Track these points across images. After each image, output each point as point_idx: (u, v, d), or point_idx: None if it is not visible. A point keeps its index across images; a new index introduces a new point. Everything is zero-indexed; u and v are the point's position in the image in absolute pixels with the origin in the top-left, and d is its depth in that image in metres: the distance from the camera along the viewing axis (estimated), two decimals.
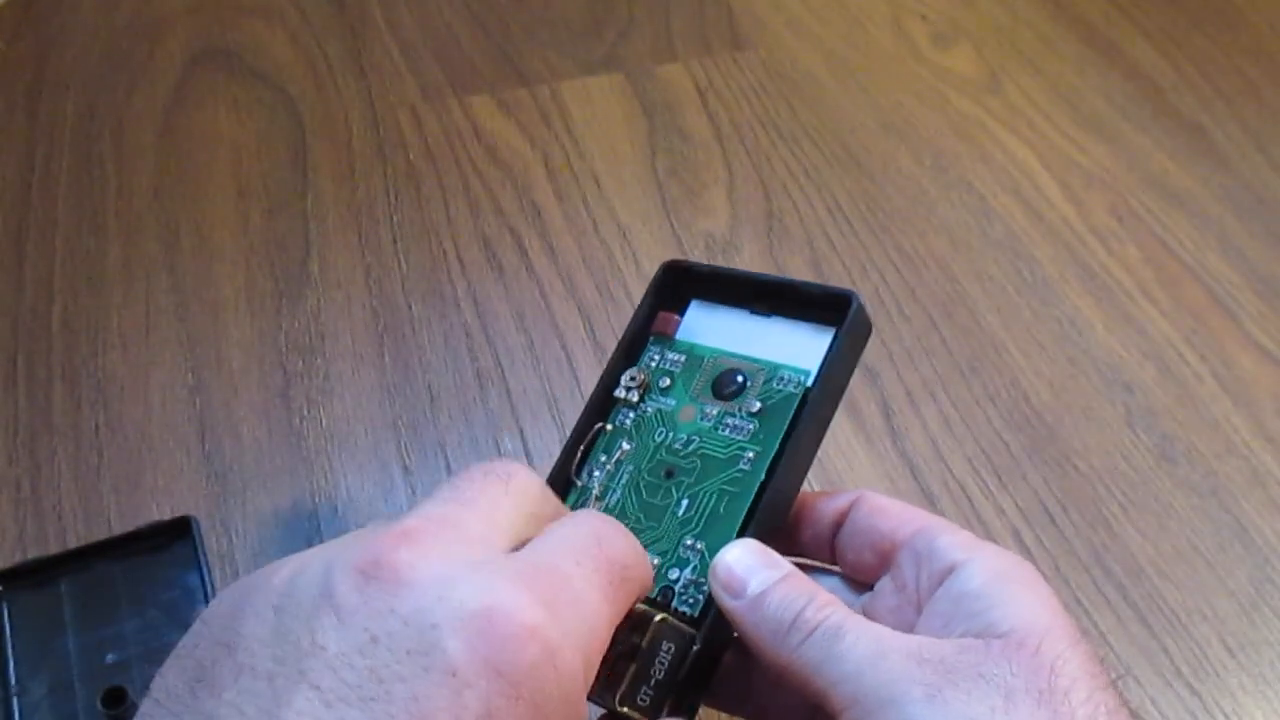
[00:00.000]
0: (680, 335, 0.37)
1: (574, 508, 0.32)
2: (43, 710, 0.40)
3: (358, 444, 0.49)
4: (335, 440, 0.49)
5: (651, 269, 0.56)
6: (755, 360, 0.35)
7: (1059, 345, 0.54)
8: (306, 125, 0.63)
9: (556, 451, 0.49)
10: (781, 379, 0.34)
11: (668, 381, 0.36)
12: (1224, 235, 0.59)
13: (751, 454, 0.33)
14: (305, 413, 0.50)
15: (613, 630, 0.26)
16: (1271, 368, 0.53)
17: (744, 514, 0.32)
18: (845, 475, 0.49)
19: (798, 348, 0.35)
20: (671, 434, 0.35)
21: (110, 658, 0.41)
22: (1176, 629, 0.44)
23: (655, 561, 0.32)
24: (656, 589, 0.32)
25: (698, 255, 0.57)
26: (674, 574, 0.32)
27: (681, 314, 0.37)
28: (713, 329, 0.36)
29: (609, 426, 0.35)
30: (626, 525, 0.30)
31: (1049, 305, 0.55)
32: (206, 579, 0.43)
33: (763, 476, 0.33)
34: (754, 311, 0.36)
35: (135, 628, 0.42)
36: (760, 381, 0.35)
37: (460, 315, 0.54)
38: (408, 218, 0.59)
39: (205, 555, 0.44)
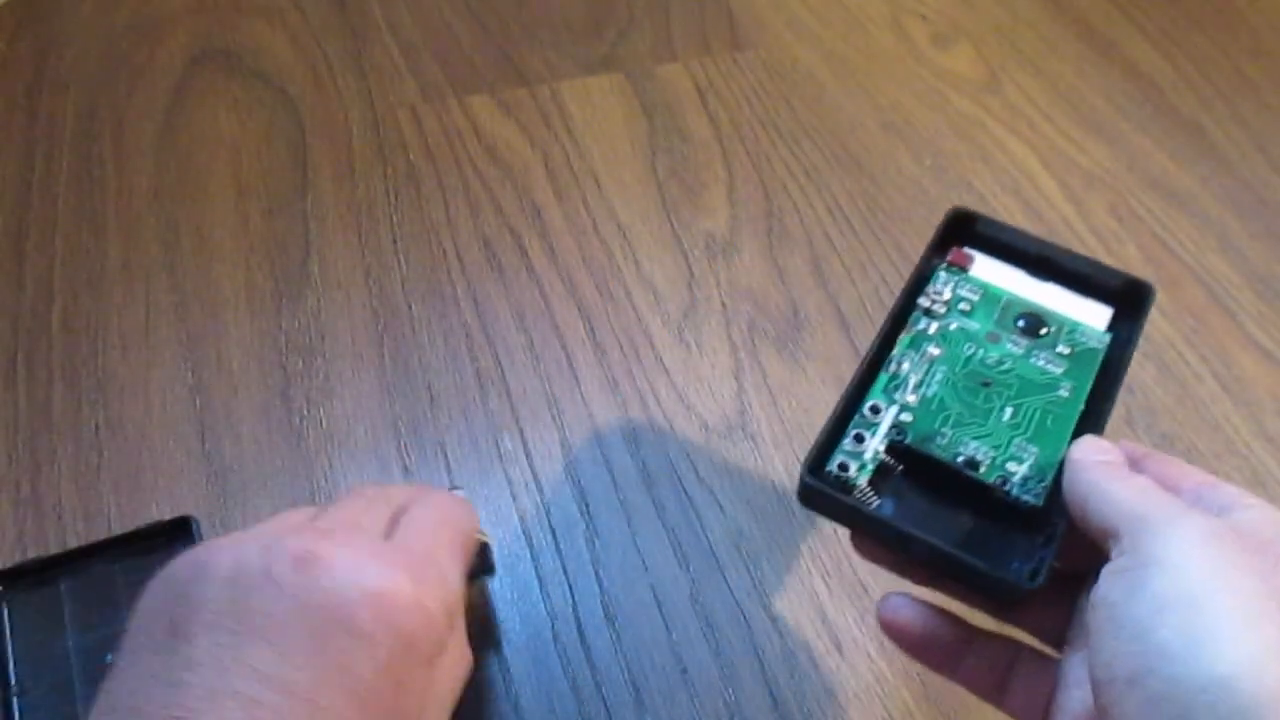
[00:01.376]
0: (974, 272, 0.41)
1: (887, 392, 0.37)
2: (43, 710, 0.40)
3: (358, 444, 0.49)
4: (335, 440, 0.49)
5: (651, 269, 0.57)
6: (1053, 312, 0.39)
7: None
8: (306, 125, 0.63)
9: (557, 451, 0.49)
10: (1084, 334, 0.39)
11: (968, 306, 0.39)
12: (1224, 235, 0.59)
13: (1067, 386, 0.37)
14: (305, 413, 0.50)
15: (463, 580, 0.34)
16: (1271, 368, 0.53)
17: (1070, 432, 0.36)
18: None
19: (1085, 313, 0.40)
20: (982, 351, 0.38)
21: (110, 658, 0.41)
22: None
23: (990, 451, 0.36)
24: (995, 474, 0.35)
25: (697, 255, 0.57)
26: (1012, 467, 0.35)
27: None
28: (998, 276, 0.41)
29: (914, 329, 0.39)
30: (948, 416, 0.37)
31: None
32: None
33: (1082, 406, 0.37)
34: (1031, 273, 0.41)
35: None
36: (1064, 331, 0.39)
37: (460, 315, 0.54)
38: (408, 218, 0.59)
39: None
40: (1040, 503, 0.35)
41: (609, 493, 0.48)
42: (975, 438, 0.36)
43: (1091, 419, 0.37)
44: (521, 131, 0.63)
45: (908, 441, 0.36)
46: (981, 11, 0.72)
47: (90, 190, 0.60)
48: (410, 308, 0.55)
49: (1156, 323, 0.55)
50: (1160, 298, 0.56)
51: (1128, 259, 0.58)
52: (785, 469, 0.49)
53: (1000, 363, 0.38)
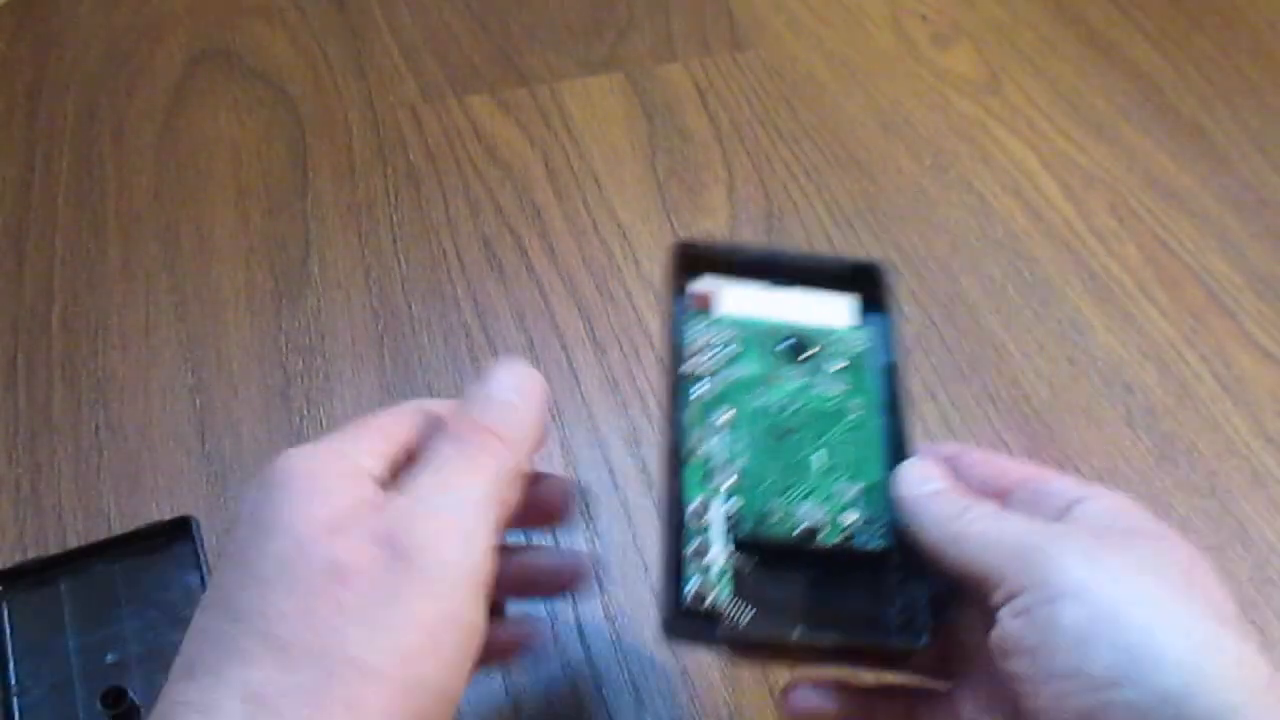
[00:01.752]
0: (719, 310, 0.38)
1: (703, 478, 0.34)
2: (43, 710, 0.40)
3: None
4: None
5: (652, 269, 0.56)
6: (809, 327, 0.38)
7: (1059, 345, 0.54)
8: (306, 125, 0.63)
9: (556, 451, 0.49)
10: (845, 341, 0.38)
11: (732, 352, 0.37)
12: (1224, 235, 0.59)
13: (857, 404, 0.36)
14: (305, 413, 0.50)
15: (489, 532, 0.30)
16: (1271, 368, 0.53)
17: (882, 451, 0.35)
18: None
19: (835, 312, 0.38)
20: (768, 396, 0.36)
21: (110, 658, 0.41)
22: None
23: (821, 509, 0.34)
24: (835, 536, 0.34)
25: None
26: (846, 517, 0.34)
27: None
28: (744, 303, 0.38)
29: (695, 401, 0.36)
30: (771, 485, 0.34)
31: (1049, 305, 0.55)
32: (206, 579, 0.43)
33: (879, 418, 0.36)
34: (775, 283, 0.39)
35: (135, 628, 0.42)
36: (828, 345, 0.37)
37: (460, 315, 0.54)
38: (408, 218, 0.59)
39: (205, 555, 0.44)
40: (889, 542, 0.34)
41: (609, 493, 0.48)
42: (804, 498, 0.34)
43: (896, 426, 0.36)
44: (521, 131, 0.63)
45: (748, 532, 0.34)
46: (981, 11, 0.72)
47: (90, 190, 0.60)
48: (410, 308, 0.55)
49: (1156, 323, 0.55)
50: (1160, 298, 0.56)
51: (1128, 259, 0.58)
52: None
53: (789, 404, 0.36)
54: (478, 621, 0.28)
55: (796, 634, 0.32)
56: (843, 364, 0.37)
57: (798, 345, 0.37)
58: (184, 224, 0.58)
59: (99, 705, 0.39)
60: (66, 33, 0.69)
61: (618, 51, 0.68)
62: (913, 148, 0.63)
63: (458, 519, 0.28)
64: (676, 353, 0.37)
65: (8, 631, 0.42)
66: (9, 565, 0.43)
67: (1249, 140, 0.64)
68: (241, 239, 0.57)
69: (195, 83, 0.66)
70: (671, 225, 0.59)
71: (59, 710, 0.40)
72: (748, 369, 0.37)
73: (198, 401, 0.51)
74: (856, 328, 0.38)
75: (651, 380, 0.52)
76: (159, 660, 0.41)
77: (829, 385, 0.37)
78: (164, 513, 0.46)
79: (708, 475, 0.34)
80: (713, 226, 0.59)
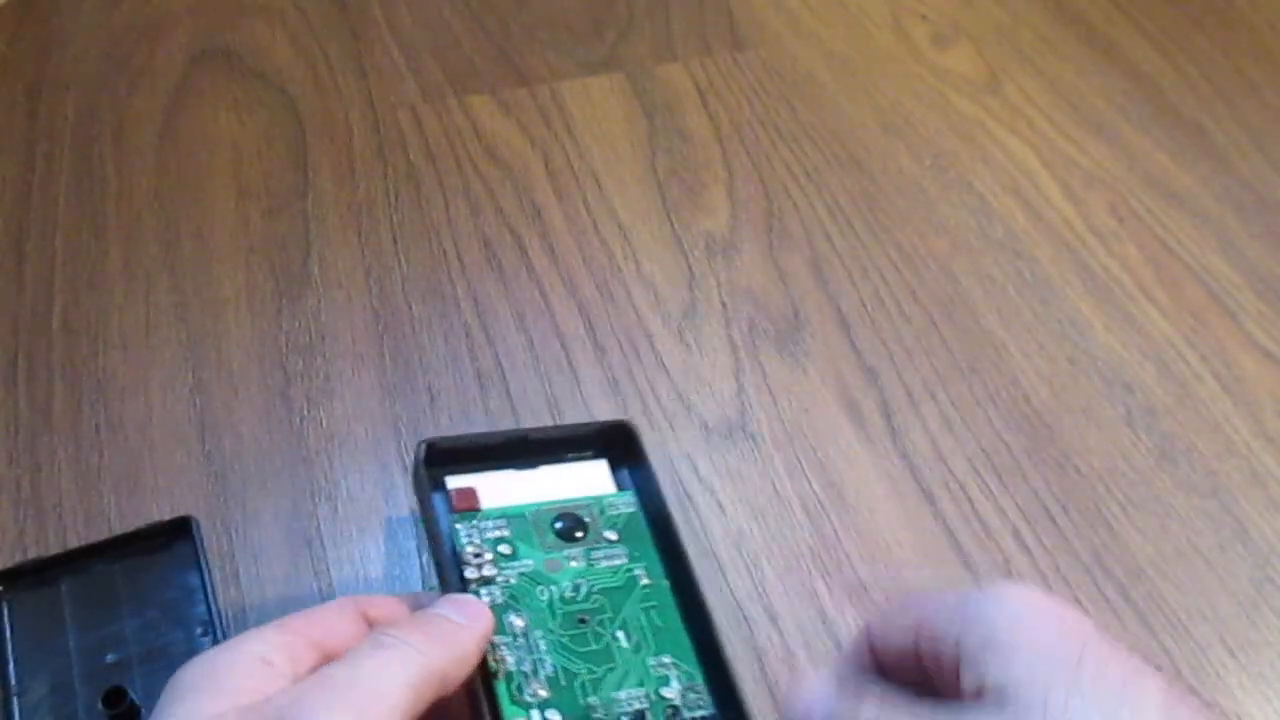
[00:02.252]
0: (482, 505, 0.36)
1: (518, 703, 0.32)
2: (43, 710, 0.40)
3: (358, 444, 0.49)
4: (335, 440, 0.49)
5: (652, 269, 0.57)
6: (575, 501, 0.37)
7: (1059, 345, 0.54)
8: (307, 125, 0.63)
9: None
10: (612, 506, 0.37)
11: (507, 547, 0.35)
12: (1224, 235, 0.59)
13: (641, 570, 0.36)
14: (305, 413, 0.50)
15: None
16: (1271, 368, 0.53)
17: (679, 615, 0.35)
18: (846, 475, 0.49)
19: (594, 479, 0.38)
20: (554, 588, 0.35)
21: (110, 658, 0.41)
22: (1176, 629, 0.44)
23: (639, 693, 0.33)
24: (661, 713, 0.32)
25: (698, 255, 0.57)
26: (667, 693, 0.33)
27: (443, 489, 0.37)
28: (503, 491, 0.37)
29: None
30: (582, 683, 0.32)
31: (1049, 305, 0.55)
32: (206, 579, 0.43)
33: (666, 580, 0.35)
34: (528, 464, 0.38)
35: (135, 628, 0.42)
36: (597, 515, 0.37)
37: (460, 315, 0.54)
38: (408, 218, 0.59)
39: (205, 555, 0.43)
40: (714, 711, 0.33)
41: None
42: (619, 686, 0.33)
43: (684, 582, 0.35)
44: (521, 131, 0.63)
45: None
46: (981, 11, 0.72)
47: (90, 190, 0.60)
48: (410, 308, 0.55)
49: (1157, 323, 0.55)
50: (1160, 298, 0.56)
51: (1128, 259, 0.58)
52: (785, 469, 0.49)
53: (577, 589, 0.35)
54: None
55: None
56: (615, 534, 0.36)
57: (569, 524, 0.36)
58: (184, 224, 0.58)
59: (99, 705, 0.39)
60: (67, 33, 0.69)
61: (618, 51, 0.68)
62: (913, 148, 0.63)
63: (357, 704, 0.26)
64: (455, 561, 0.35)
65: (8, 631, 0.42)
66: (9, 565, 0.43)
67: (1249, 140, 0.64)
68: (241, 239, 0.57)
69: (195, 83, 0.66)
70: (671, 225, 0.59)
71: (59, 710, 0.40)
72: (527, 562, 0.35)
73: (198, 401, 0.51)
74: (620, 492, 0.38)
75: (651, 381, 0.52)
76: (159, 660, 0.41)
77: (609, 557, 0.36)
78: (164, 513, 0.46)
79: (520, 689, 0.32)
80: (712, 226, 0.59)
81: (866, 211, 0.60)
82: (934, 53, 0.69)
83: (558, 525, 0.36)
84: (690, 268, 0.57)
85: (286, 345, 0.53)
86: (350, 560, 0.46)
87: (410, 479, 0.37)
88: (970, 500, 0.48)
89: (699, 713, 0.33)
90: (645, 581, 0.35)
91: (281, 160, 0.61)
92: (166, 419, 0.50)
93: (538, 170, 0.61)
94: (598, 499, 0.37)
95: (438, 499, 0.36)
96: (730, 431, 0.50)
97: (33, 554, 0.45)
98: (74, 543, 0.45)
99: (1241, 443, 0.50)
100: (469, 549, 0.35)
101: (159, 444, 0.49)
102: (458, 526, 0.36)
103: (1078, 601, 0.45)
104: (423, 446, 0.36)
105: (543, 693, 0.32)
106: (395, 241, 0.58)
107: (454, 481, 0.37)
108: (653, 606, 0.35)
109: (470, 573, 0.34)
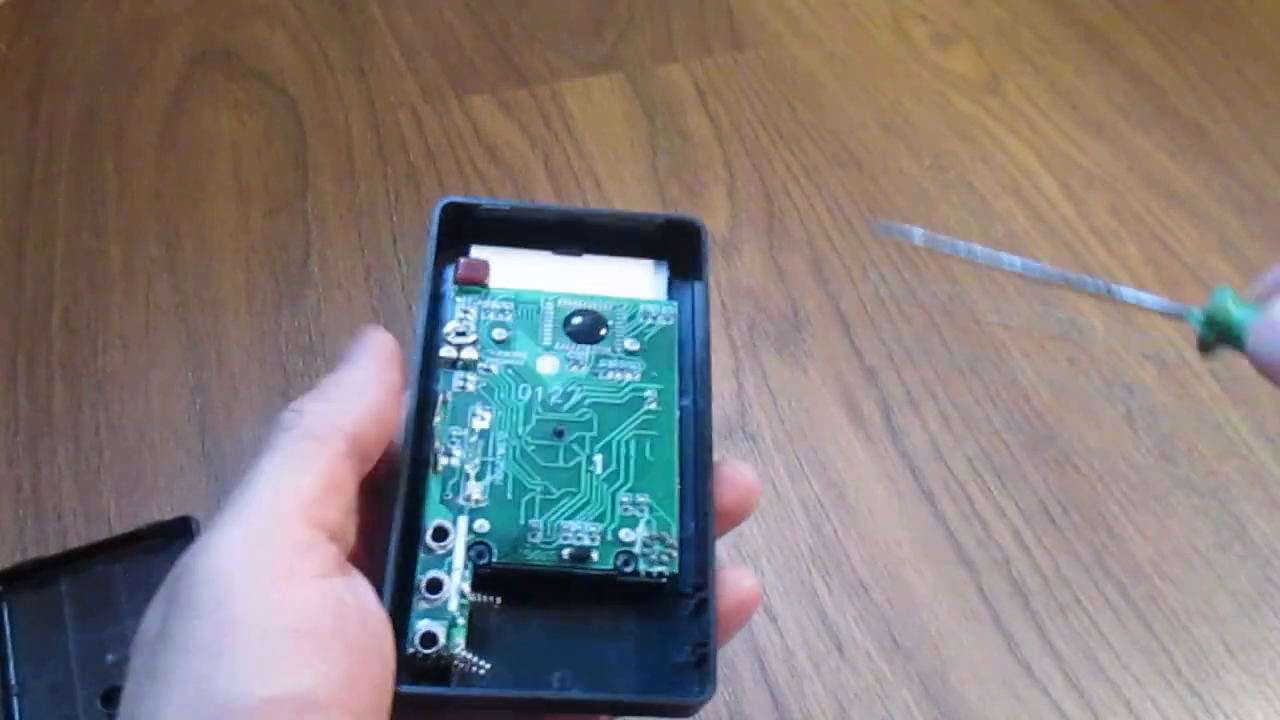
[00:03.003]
0: (493, 283, 0.32)
1: (447, 503, 0.28)
2: (43, 710, 0.40)
3: None
4: None
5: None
6: (604, 299, 0.32)
7: (1059, 345, 0.54)
8: (307, 125, 0.63)
9: None
10: (647, 314, 0.31)
11: (503, 333, 0.31)
12: (1224, 235, 0.59)
13: (652, 393, 0.30)
14: None
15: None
16: None
17: (676, 456, 0.29)
18: (845, 475, 0.49)
19: (638, 281, 0.32)
20: (540, 389, 0.30)
21: (110, 657, 0.41)
22: (1176, 629, 0.44)
23: (595, 527, 0.28)
24: (611, 557, 0.28)
25: None
26: (626, 534, 0.28)
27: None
28: (526, 274, 0.32)
29: (447, 395, 0.29)
30: (531, 502, 0.28)
31: (1049, 305, 0.55)
32: None
33: (677, 412, 0.30)
34: (564, 252, 0.32)
35: (135, 628, 0.42)
36: (625, 319, 0.31)
37: None
38: (408, 218, 0.59)
39: None
40: (674, 569, 0.28)
41: None
42: (572, 514, 0.28)
43: (696, 423, 0.30)
44: (522, 131, 0.63)
45: (494, 562, 0.27)
46: (981, 11, 0.72)
47: (91, 190, 0.60)
48: (411, 308, 0.55)
49: (1157, 323, 0.55)
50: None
51: (1128, 259, 0.58)
52: (785, 469, 0.49)
53: (566, 397, 0.30)
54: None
55: (551, 692, 0.27)
56: (637, 344, 0.31)
57: (587, 322, 0.31)
58: (184, 224, 0.58)
59: (99, 705, 0.39)
60: (67, 33, 0.69)
61: (618, 51, 0.68)
62: (913, 148, 0.63)
63: (256, 528, 0.24)
64: (430, 335, 0.30)
65: (8, 631, 0.42)
66: (9, 565, 0.43)
67: (1249, 140, 0.64)
68: (242, 239, 0.57)
69: (196, 83, 0.66)
70: None
71: (59, 710, 0.40)
72: (519, 354, 0.30)
73: (198, 401, 0.51)
74: (663, 301, 0.32)
75: None
76: None
77: (619, 370, 0.31)
78: (164, 513, 0.46)
79: (454, 489, 0.28)
80: (713, 226, 0.59)
81: (866, 211, 0.60)
82: (934, 53, 0.69)
83: (573, 320, 0.31)
84: None
85: (286, 345, 0.53)
86: None
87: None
88: (970, 500, 0.48)
89: (656, 568, 0.28)
90: (651, 407, 0.30)
91: (281, 160, 0.61)
92: (166, 419, 0.50)
93: (538, 170, 0.61)
94: (634, 302, 0.32)
95: (449, 272, 0.32)
96: (730, 431, 0.50)
97: (33, 554, 0.45)
98: (74, 543, 0.45)
99: (1241, 443, 0.50)
100: (452, 324, 0.30)
101: (159, 444, 0.49)
102: (456, 300, 0.31)
103: (1077, 601, 0.45)
104: (439, 207, 0.31)
105: (478, 498, 0.28)
106: (395, 241, 0.58)
107: (477, 254, 0.32)
108: (649, 437, 0.30)
109: (445, 351, 0.30)
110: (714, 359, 0.53)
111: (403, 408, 0.29)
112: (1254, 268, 0.58)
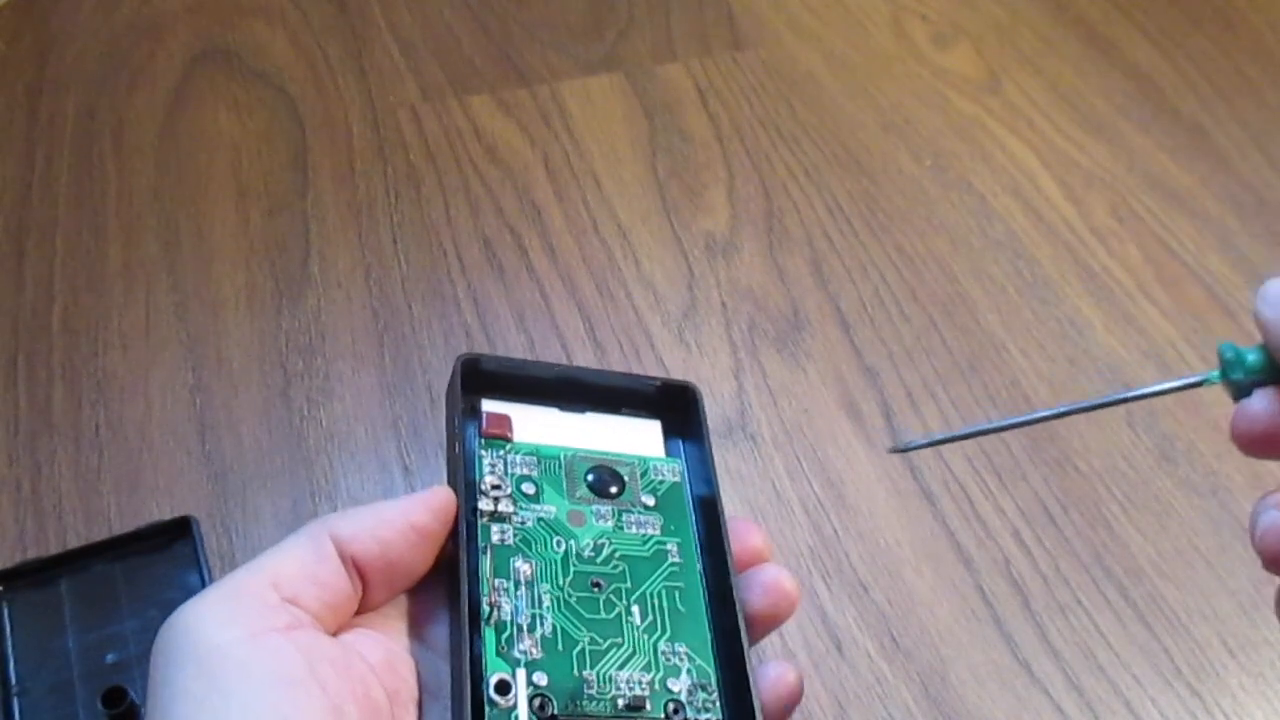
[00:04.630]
0: (515, 437, 0.33)
1: (504, 656, 0.29)
2: (43, 710, 0.40)
3: (358, 444, 0.49)
4: (335, 440, 0.49)
5: (652, 269, 0.56)
6: (618, 455, 0.33)
7: (1059, 345, 0.54)
8: (307, 125, 0.63)
9: None
10: (657, 471, 0.34)
11: (531, 487, 0.32)
12: (1224, 235, 0.59)
13: (673, 546, 0.32)
14: (305, 413, 0.50)
15: None
16: None
17: (705, 605, 0.31)
18: (845, 475, 0.49)
19: (643, 438, 0.34)
20: (573, 542, 0.31)
21: (110, 658, 0.41)
22: (1177, 629, 0.44)
23: (644, 677, 0.30)
24: (662, 705, 0.29)
25: (697, 255, 0.57)
26: (674, 685, 0.30)
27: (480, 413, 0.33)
28: (542, 429, 0.33)
29: (489, 548, 0.31)
30: (581, 652, 0.29)
31: (1049, 305, 0.55)
32: (207, 579, 0.43)
33: (699, 564, 0.32)
34: (574, 408, 0.34)
35: (135, 628, 0.42)
36: (639, 476, 0.33)
37: (460, 315, 0.54)
38: (408, 218, 0.59)
39: (205, 555, 0.44)
40: (718, 715, 0.30)
41: None
42: (622, 665, 0.30)
43: (716, 572, 0.32)
44: (521, 131, 0.63)
45: (557, 714, 0.28)
46: (981, 11, 0.72)
47: (90, 190, 0.60)
48: (410, 308, 0.55)
49: (1157, 323, 0.55)
50: (1160, 298, 0.56)
51: (1128, 259, 0.58)
52: (785, 469, 0.49)
53: (598, 550, 0.31)
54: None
55: None
56: (653, 500, 0.33)
57: (605, 478, 0.33)
58: (184, 224, 0.58)
59: (99, 705, 0.39)
60: (67, 33, 0.69)
61: (618, 51, 0.68)
62: (913, 148, 0.63)
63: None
64: (471, 488, 0.31)
65: (8, 631, 0.42)
66: (9, 565, 0.43)
67: (1249, 140, 0.64)
68: (242, 239, 0.57)
69: (195, 83, 0.66)
70: (671, 225, 0.59)
71: (59, 710, 0.40)
72: (549, 508, 0.32)
73: (198, 401, 0.51)
74: (667, 459, 0.34)
75: None
76: None
77: (641, 524, 0.32)
78: (164, 513, 0.46)
79: (509, 642, 0.29)
80: (713, 226, 0.59)
81: (866, 211, 0.60)
82: (934, 53, 0.69)
83: (591, 477, 0.33)
84: (690, 268, 0.57)
85: (286, 345, 0.53)
86: None
87: (445, 399, 0.33)
88: (970, 500, 0.48)
89: (704, 715, 0.30)
90: (674, 559, 0.32)
91: (281, 160, 0.61)
92: (166, 419, 0.50)
93: (538, 170, 0.61)
94: (643, 459, 0.34)
95: (469, 426, 0.33)
96: (730, 431, 0.50)
97: (33, 554, 0.45)
98: (74, 543, 0.45)
99: None
100: (489, 478, 0.31)
101: (159, 444, 0.49)
102: (482, 453, 0.32)
103: (1078, 601, 0.45)
104: (460, 362, 0.32)
105: (535, 652, 0.29)
106: (395, 241, 0.58)
107: (489, 406, 0.33)
108: (677, 588, 0.31)
109: (484, 504, 0.31)
110: (713, 360, 0.53)
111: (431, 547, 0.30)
112: (1253, 267, 0.58)
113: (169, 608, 0.42)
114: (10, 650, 0.41)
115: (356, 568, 0.29)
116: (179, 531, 0.44)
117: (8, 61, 0.67)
